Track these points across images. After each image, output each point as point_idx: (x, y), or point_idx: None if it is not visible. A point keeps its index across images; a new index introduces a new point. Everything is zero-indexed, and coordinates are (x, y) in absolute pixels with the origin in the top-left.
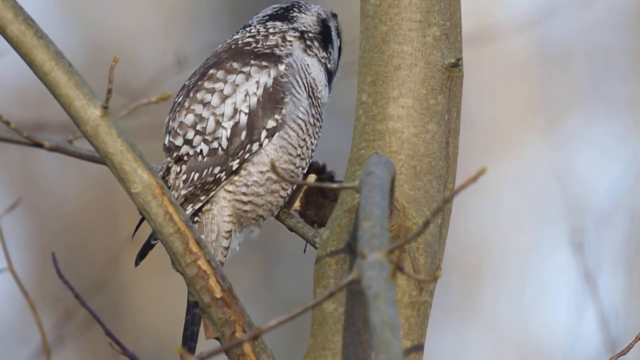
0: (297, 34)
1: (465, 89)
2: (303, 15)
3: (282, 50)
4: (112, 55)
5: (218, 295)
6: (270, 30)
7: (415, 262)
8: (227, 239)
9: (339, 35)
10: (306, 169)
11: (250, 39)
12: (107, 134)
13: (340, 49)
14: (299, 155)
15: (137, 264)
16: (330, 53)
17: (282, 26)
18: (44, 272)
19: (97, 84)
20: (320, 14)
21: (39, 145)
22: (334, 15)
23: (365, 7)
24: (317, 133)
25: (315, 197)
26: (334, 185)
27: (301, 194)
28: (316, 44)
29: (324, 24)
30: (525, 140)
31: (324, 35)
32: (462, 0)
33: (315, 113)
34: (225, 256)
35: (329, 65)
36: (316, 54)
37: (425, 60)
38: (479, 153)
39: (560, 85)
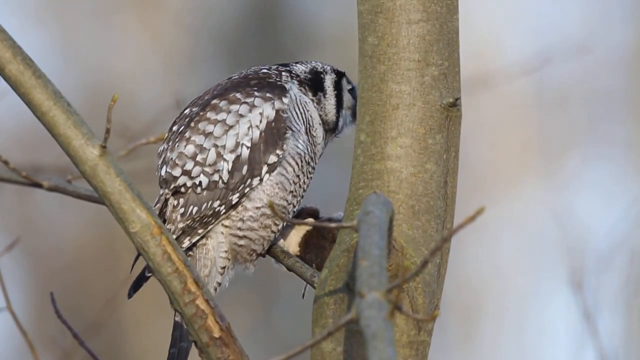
0: (288, 73)
1: (464, 131)
2: (298, 65)
3: (280, 82)
4: (111, 96)
5: (216, 334)
6: (271, 68)
7: (413, 301)
8: (221, 274)
9: (345, 90)
10: (297, 207)
11: (250, 73)
12: (105, 173)
13: (341, 102)
14: (292, 192)
15: (130, 296)
16: (319, 99)
17: (278, 67)
18: (43, 312)
19: (96, 125)
20: (316, 67)
21: (37, 185)
22: (337, 72)
23: (364, 47)
24: (310, 173)
25: (314, 240)
26: (333, 225)
27: (300, 239)
28: (305, 87)
29: (315, 73)
30: (524, 181)
31: (314, 82)
32: (461, 42)
33: (311, 151)
34: (216, 291)
35: (319, 112)
36: (307, 96)
37: (423, 100)
38: (477, 194)
39: (559, 127)
